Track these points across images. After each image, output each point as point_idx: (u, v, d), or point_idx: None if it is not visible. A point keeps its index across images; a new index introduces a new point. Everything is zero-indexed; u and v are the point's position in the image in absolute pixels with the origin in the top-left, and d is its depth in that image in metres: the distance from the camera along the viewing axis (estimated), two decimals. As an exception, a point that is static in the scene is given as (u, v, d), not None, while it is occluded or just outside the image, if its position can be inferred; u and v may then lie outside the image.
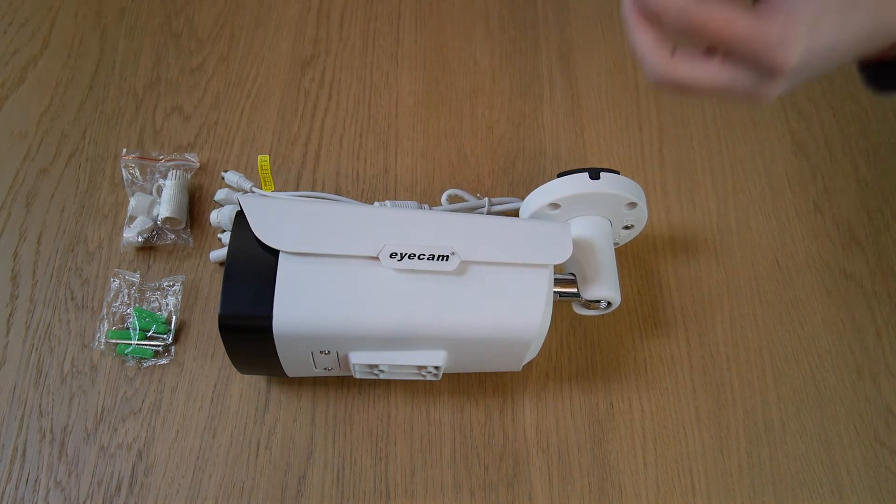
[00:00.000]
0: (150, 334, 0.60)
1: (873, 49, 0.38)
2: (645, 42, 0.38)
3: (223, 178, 0.64)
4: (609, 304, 0.57)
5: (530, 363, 0.61)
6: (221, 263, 0.64)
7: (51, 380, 0.58)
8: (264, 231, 0.50)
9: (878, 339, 0.63)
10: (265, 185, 0.62)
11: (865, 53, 0.38)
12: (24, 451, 0.56)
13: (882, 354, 0.63)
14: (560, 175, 0.57)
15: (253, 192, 0.62)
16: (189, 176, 0.67)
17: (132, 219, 0.64)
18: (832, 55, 0.36)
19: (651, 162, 0.71)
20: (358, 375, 0.53)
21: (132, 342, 0.59)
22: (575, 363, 0.61)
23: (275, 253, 0.49)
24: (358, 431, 0.58)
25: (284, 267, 0.49)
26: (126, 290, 0.61)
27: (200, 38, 0.76)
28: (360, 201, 0.67)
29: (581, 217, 0.58)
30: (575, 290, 0.56)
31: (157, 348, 0.59)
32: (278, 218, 0.51)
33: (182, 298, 0.62)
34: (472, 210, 0.65)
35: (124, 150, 0.68)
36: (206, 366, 0.60)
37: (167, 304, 0.61)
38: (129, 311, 0.60)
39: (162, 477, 0.55)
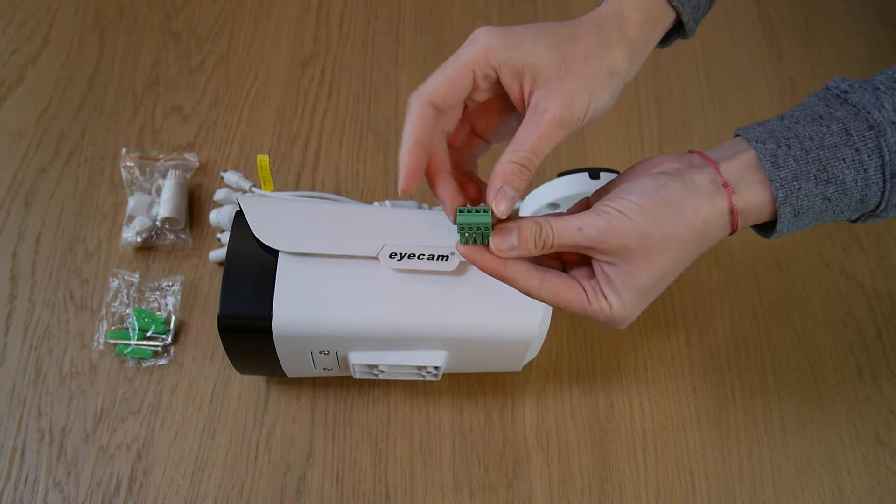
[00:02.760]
0: (149, 334, 0.60)
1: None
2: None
3: (222, 178, 0.63)
4: (609, 304, 0.57)
5: (530, 363, 0.60)
6: (221, 263, 0.63)
7: (50, 380, 0.58)
8: (264, 231, 0.50)
9: (878, 339, 0.63)
10: (265, 185, 0.62)
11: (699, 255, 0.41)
12: (24, 451, 0.56)
13: (883, 354, 0.62)
14: (560, 175, 0.57)
15: (252, 192, 0.62)
16: (188, 176, 0.67)
17: (131, 219, 0.64)
18: (661, 287, 0.41)
19: (651, 162, 0.71)
20: (357, 376, 0.53)
21: (131, 342, 0.59)
22: (575, 363, 0.61)
23: (274, 253, 0.49)
24: (358, 432, 0.58)
25: (284, 267, 0.49)
26: (125, 291, 0.61)
27: (200, 38, 0.76)
28: (360, 201, 0.67)
29: (581, 217, 0.58)
30: (575, 290, 0.56)
31: (156, 348, 0.59)
32: (278, 218, 0.51)
33: (181, 298, 0.62)
34: (471, 210, 0.65)
35: (123, 149, 0.67)
36: (206, 366, 0.59)
37: (166, 305, 0.61)
38: (128, 311, 0.60)
39: (161, 477, 0.55)
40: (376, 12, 0.79)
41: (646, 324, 0.63)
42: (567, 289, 0.40)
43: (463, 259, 0.50)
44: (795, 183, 0.39)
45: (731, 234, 0.41)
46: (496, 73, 0.40)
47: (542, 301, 0.41)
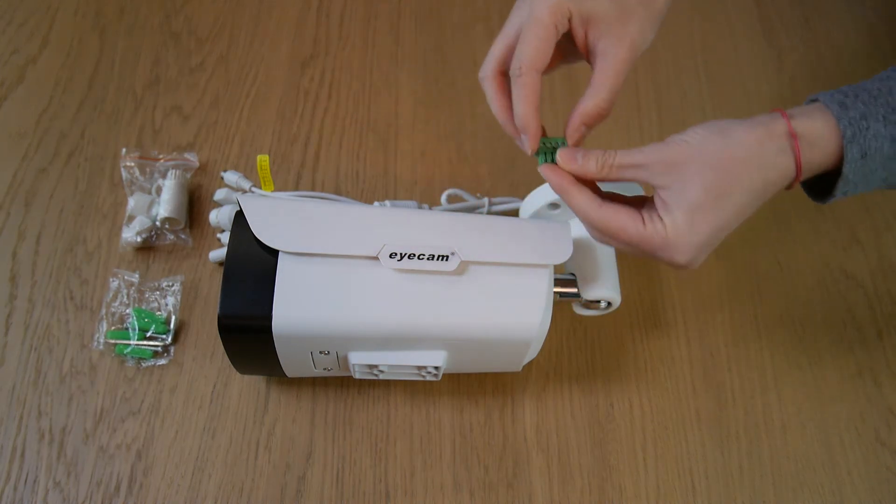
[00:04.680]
0: (149, 334, 0.60)
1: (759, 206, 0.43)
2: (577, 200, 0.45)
3: (222, 178, 0.64)
4: (609, 304, 0.57)
5: (530, 363, 0.60)
6: (221, 263, 0.63)
7: (50, 380, 0.58)
8: (264, 231, 0.50)
9: (878, 339, 0.63)
10: (265, 184, 0.62)
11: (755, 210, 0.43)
12: (23, 451, 0.56)
13: (883, 354, 0.62)
14: (560, 175, 0.57)
15: (252, 192, 0.62)
16: (188, 176, 0.67)
17: (131, 219, 0.64)
18: (721, 233, 0.43)
19: (651, 162, 0.71)
20: (357, 376, 0.53)
21: (131, 342, 0.59)
22: (575, 363, 0.61)
23: (274, 253, 0.49)
24: (358, 432, 0.58)
25: (284, 267, 0.49)
26: (125, 291, 0.61)
27: (200, 38, 0.76)
28: (360, 201, 0.67)
29: (581, 217, 0.58)
30: (575, 290, 0.56)
31: (156, 348, 0.59)
32: (278, 218, 0.51)
33: (181, 298, 0.62)
34: (471, 210, 0.65)
35: (123, 149, 0.67)
36: (206, 366, 0.59)
37: (166, 305, 0.61)
38: (128, 311, 0.60)
39: (161, 477, 0.55)
40: (376, 12, 0.79)
41: (646, 324, 0.63)
42: (623, 213, 0.43)
43: (463, 259, 0.50)
44: (864, 122, 0.40)
45: (795, 180, 0.41)
46: (569, 23, 0.44)
47: (596, 226, 0.44)
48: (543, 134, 0.46)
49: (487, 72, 0.46)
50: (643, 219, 0.42)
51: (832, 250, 0.67)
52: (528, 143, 0.45)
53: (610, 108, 0.45)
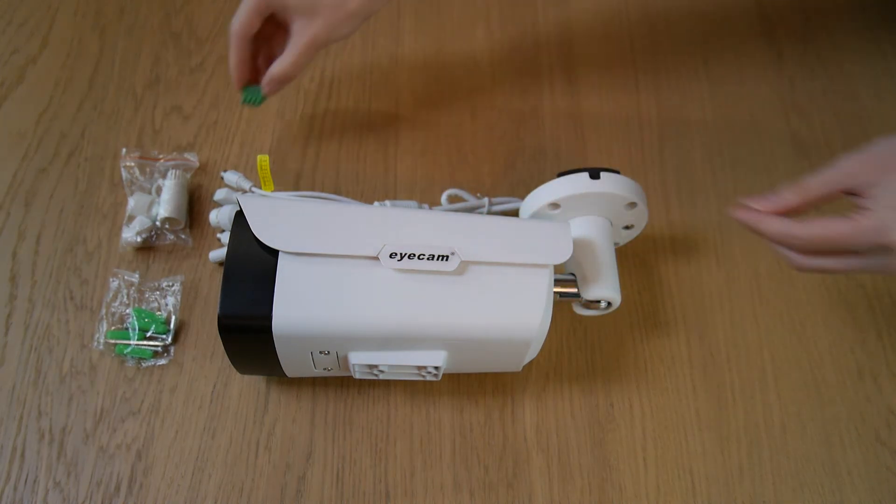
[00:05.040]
0: (149, 334, 0.60)
1: None
2: (779, 248, 0.51)
3: (223, 178, 0.64)
4: (609, 304, 0.57)
5: (530, 363, 0.60)
6: (221, 263, 0.63)
7: (50, 380, 0.58)
8: (264, 231, 0.50)
9: (878, 339, 0.63)
10: (265, 185, 0.62)
11: None
12: (23, 451, 0.56)
13: (883, 354, 0.62)
14: (560, 175, 0.57)
15: (252, 192, 0.62)
16: (188, 176, 0.67)
17: (131, 219, 0.64)
18: None
19: (651, 162, 0.71)
20: (357, 376, 0.53)
21: (131, 342, 0.59)
22: (575, 363, 0.61)
23: (274, 253, 0.49)
24: (358, 432, 0.58)
25: (284, 267, 0.49)
26: (125, 291, 0.61)
27: (200, 38, 0.76)
28: (360, 201, 0.67)
29: (581, 217, 0.58)
30: (575, 290, 0.56)
31: (156, 348, 0.59)
32: (278, 218, 0.51)
33: (181, 298, 0.62)
34: (472, 210, 0.65)
35: (123, 149, 0.67)
36: (206, 366, 0.59)
37: (166, 305, 0.61)
38: (128, 311, 0.60)
39: (161, 477, 0.55)
40: (376, 12, 0.79)
41: (646, 324, 0.63)
42: (825, 218, 0.47)
43: (463, 259, 0.50)
44: None
45: None
46: (268, 5, 0.59)
47: (805, 239, 0.47)
48: (250, 83, 0.63)
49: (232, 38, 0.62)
50: (851, 216, 0.46)
51: (832, 250, 0.67)
52: (235, 84, 0.63)
53: (293, 74, 0.60)
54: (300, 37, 0.59)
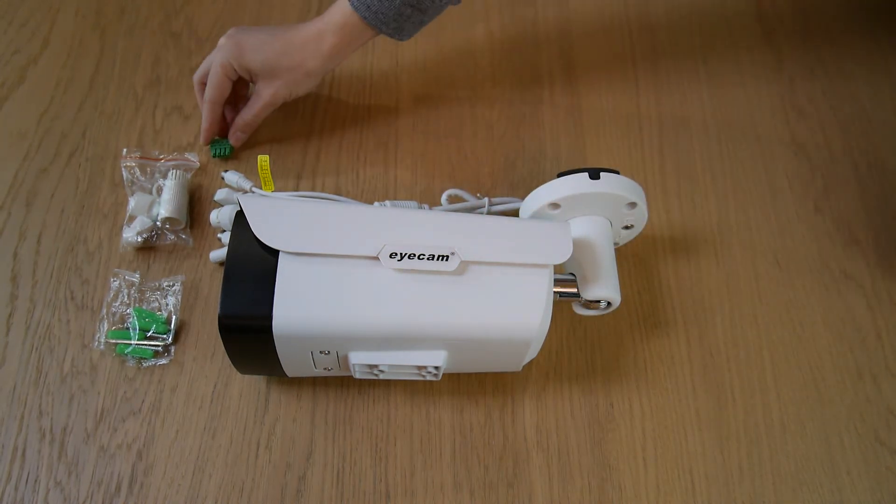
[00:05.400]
0: (149, 334, 0.60)
1: None
2: None
3: (223, 178, 0.64)
4: (609, 304, 0.57)
5: (530, 363, 0.61)
6: (221, 263, 0.64)
7: (50, 380, 0.58)
8: (264, 231, 0.50)
9: (878, 339, 0.63)
10: (265, 185, 0.62)
11: None
12: (24, 451, 0.56)
13: (882, 355, 0.63)
14: (560, 175, 0.57)
15: (253, 192, 0.62)
16: (189, 176, 0.67)
17: (132, 219, 0.64)
18: None
19: (651, 162, 0.71)
20: (358, 375, 0.53)
21: (132, 342, 0.59)
22: (575, 363, 0.61)
23: (275, 253, 0.49)
24: (358, 431, 0.58)
25: (284, 267, 0.49)
26: (126, 290, 0.61)
27: (200, 38, 0.76)
28: (360, 201, 0.67)
29: (581, 217, 0.58)
30: (575, 290, 0.56)
31: (156, 348, 0.59)
32: (278, 218, 0.51)
33: (182, 298, 0.62)
34: (472, 210, 0.65)
35: (124, 149, 0.67)
36: (206, 366, 0.60)
37: (167, 304, 0.61)
38: (128, 311, 0.60)
39: (162, 477, 0.55)
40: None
41: (646, 324, 0.63)
42: None
43: (463, 259, 0.50)
44: None
45: None
46: (235, 71, 0.65)
47: None
48: (218, 136, 0.69)
49: (196, 86, 0.68)
50: None
51: (832, 250, 0.67)
52: (203, 141, 0.69)
53: (256, 123, 0.68)
54: (262, 96, 0.65)
